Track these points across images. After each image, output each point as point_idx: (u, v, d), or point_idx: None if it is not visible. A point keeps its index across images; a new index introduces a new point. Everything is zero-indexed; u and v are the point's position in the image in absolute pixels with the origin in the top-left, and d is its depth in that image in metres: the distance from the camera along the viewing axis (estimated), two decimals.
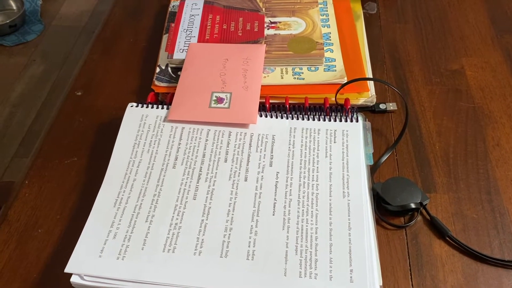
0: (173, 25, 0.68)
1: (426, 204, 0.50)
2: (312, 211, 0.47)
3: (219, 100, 0.56)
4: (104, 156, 0.53)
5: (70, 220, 0.51)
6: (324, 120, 0.55)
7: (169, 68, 0.63)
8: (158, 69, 0.63)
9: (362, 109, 0.60)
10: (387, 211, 0.50)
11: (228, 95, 0.56)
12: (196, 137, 0.54)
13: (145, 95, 0.60)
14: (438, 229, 0.49)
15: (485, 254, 0.47)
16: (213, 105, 0.56)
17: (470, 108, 0.61)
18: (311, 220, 0.47)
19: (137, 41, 0.71)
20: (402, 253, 0.48)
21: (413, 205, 0.49)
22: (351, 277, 0.43)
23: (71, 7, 2.02)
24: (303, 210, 0.47)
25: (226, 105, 0.55)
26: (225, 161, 0.52)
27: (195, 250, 0.45)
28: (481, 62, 0.66)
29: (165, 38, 0.67)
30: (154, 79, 0.61)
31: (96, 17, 1.97)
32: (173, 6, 0.72)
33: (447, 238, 0.48)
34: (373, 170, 0.54)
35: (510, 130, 0.58)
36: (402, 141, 0.57)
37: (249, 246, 0.45)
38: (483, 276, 0.46)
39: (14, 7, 1.91)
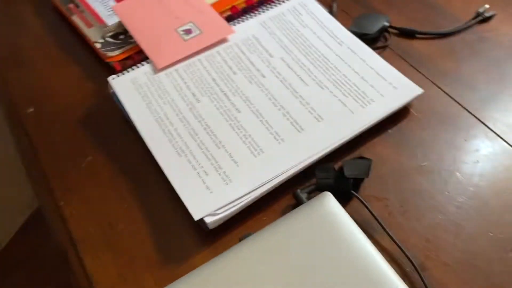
0: (73, 3, 0.63)
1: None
2: (331, 67, 0.54)
3: (188, 31, 0.57)
4: (113, 149, 0.51)
5: (137, 204, 0.49)
6: (276, 6, 0.61)
7: (108, 38, 0.60)
8: (99, 45, 0.59)
9: None
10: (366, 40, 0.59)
11: (191, 24, 0.58)
12: (194, 70, 0.55)
13: (94, 80, 0.57)
14: None
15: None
16: (186, 38, 0.57)
17: None
18: (335, 73, 0.54)
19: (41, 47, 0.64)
20: None
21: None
22: (394, 86, 0.52)
23: None
24: (323, 69, 0.54)
25: (198, 32, 0.57)
26: (234, 73, 0.54)
27: (276, 140, 0.48)
28: None
29: (75, 18, 0.63)
30: (104, 53, 0.58)
31: None
32: None
33: None
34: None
35: None
36: None
37: (311, 113, 0.50)
38: None
39: None
